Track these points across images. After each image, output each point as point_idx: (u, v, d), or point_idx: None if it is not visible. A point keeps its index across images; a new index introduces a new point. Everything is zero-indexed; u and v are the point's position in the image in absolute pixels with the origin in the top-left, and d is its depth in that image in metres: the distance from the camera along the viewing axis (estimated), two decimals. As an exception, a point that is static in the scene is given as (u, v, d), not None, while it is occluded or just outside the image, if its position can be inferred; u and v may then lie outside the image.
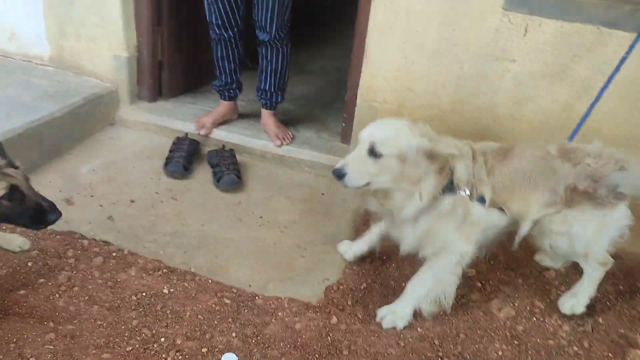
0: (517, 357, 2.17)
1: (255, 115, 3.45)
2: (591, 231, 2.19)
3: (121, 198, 2.81)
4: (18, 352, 1.94)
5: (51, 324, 2.06)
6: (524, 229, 2.21)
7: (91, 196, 2.80)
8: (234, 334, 2.12)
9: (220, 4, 2.95)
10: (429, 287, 2.23)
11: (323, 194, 3.03)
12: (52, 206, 1.95)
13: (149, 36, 3.36)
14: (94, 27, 3.35)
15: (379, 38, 2.83)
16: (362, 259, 2.59)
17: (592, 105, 2.37)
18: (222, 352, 2.03)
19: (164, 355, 2.00)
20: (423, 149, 2.01)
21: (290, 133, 3.30)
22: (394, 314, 2.25)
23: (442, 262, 2.22)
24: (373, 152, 2.03)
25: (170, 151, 3.11)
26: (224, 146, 3.16)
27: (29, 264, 2.33)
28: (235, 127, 3.38)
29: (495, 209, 2.16)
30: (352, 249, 2.59)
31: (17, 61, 3.62)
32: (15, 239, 2.35)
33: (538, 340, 2.26)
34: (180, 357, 2.00)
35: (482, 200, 2.13)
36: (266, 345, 2.10)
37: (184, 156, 3.05)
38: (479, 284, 2.52)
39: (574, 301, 2.34)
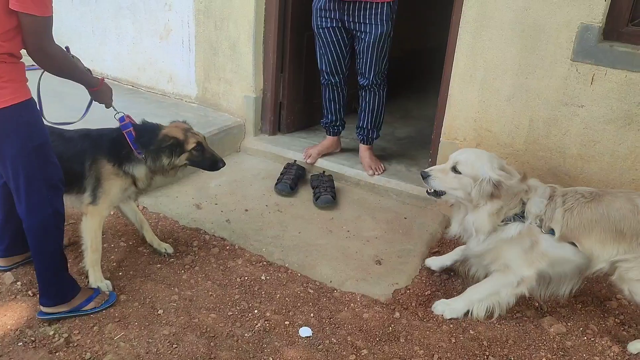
0: (560, 366, 2.40)
1: (356, 151, 3.98)
2: None
3: (238, 207, 3.47)
4: (151, 305, 2.59)
5: (176, 290, 2.70)
6: (596, 266, 2.45)
7: (215, 204, 3.49)
8: (312, 315, 2.61)
9: (329, 55, 3.59)
10: (485, 294, 2.58)
11: (405, 218, 3.45)
12: (221, 159, 2.78)
13: (272, 81, 4.09)
14: (231, 73, 4.16)
15: (460, 84, 3.26)
16: (431, 273, 2.97)
17: None
18: (301, 326, 2.53)
19: (255, 322, 2.53)
20: (492, 180, 2.43)
21: (382, 165, 3.79)
22: (447, 305, 2.64)
23: (503, 278, 2.57)
24: (455, 169, 2.54)
25: (281, 174, 3.74)
26: (324, 172, 3.73)
27: (165, 247, 3.03)
28: (336, 158, 3.95)
29: (566, 243, 2.45)
30: (437, 261, 2.98)
31: (171, 99, 4.56)
32: (164, 245, 2.98)
33: (584, 355, 2.46)
34: (267, 324, 2.52)
35: (552, 232, 2.44)
36: (337, 325, 2.55)
37: (292, 178, 3.66)
38: (536, 304, 2.76)
39: None
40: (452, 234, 2.75)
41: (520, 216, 2.48)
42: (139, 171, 2.63)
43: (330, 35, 3.54)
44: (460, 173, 2.52)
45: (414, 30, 5.70)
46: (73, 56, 2.36)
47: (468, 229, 2.59)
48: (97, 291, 2.54)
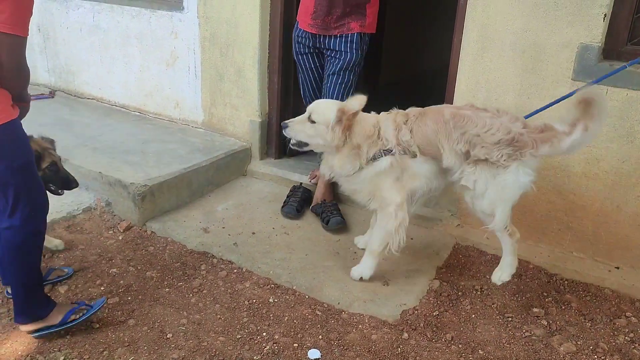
0: (571, 385, 2.39)
1: (361, 172, 4.02)
2: (493, 191, 2.62)
3: (245, 230, 3.49)
4: (160, 329, 2.60)
5: (184, 313, 2.71)
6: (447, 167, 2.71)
7: (222, 227, 3.51)
8: (320, 337, 2.61)
9: (308, 81, 3.71)
10: (380, 240, 2.89)
11: (412, 239, 3.45)
12: (74, 179, 2.86)
13: (278, 105, 4.14)
14: (236, 98, 4.23)
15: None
16: (439, 293, 2.96)
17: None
18: (309, 348, 2.53)
19: (264, 344, 2.54)
20: (336, 118, 2.66)
21: (387, 186, 3.83)
22: (358, 268, 3.00)
23: (384, 216, 2.84)
24: (310, 119, 2.77)
25: (287, 197, 3.77)
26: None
27: (174, 271, 3.05)
28: (342, 180, 3.98)
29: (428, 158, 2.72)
30: (363, 239, 3.32)
31: (178, 124, 4.62)
32: (53, 241, 3.11)
33: (595, 374, 2.45)
34: (275, 347, 2.52)
35: (415, 155, 2.71)
36: (345, 347, 2.55)
37: (298, 201, 3.69)
38: (545, 323, 2.75)
39: (500, 273, 2.87)
40: (323, 174, 3.00)
41: (390, 151, 2.70)
42: None
43: (308, 62, 3.63)
44: (315, 122, 2.74)
45: (415, 54, 5.78)
46: None
47: (336, 171, 2.84)
48: (80, 303, 2.56)
